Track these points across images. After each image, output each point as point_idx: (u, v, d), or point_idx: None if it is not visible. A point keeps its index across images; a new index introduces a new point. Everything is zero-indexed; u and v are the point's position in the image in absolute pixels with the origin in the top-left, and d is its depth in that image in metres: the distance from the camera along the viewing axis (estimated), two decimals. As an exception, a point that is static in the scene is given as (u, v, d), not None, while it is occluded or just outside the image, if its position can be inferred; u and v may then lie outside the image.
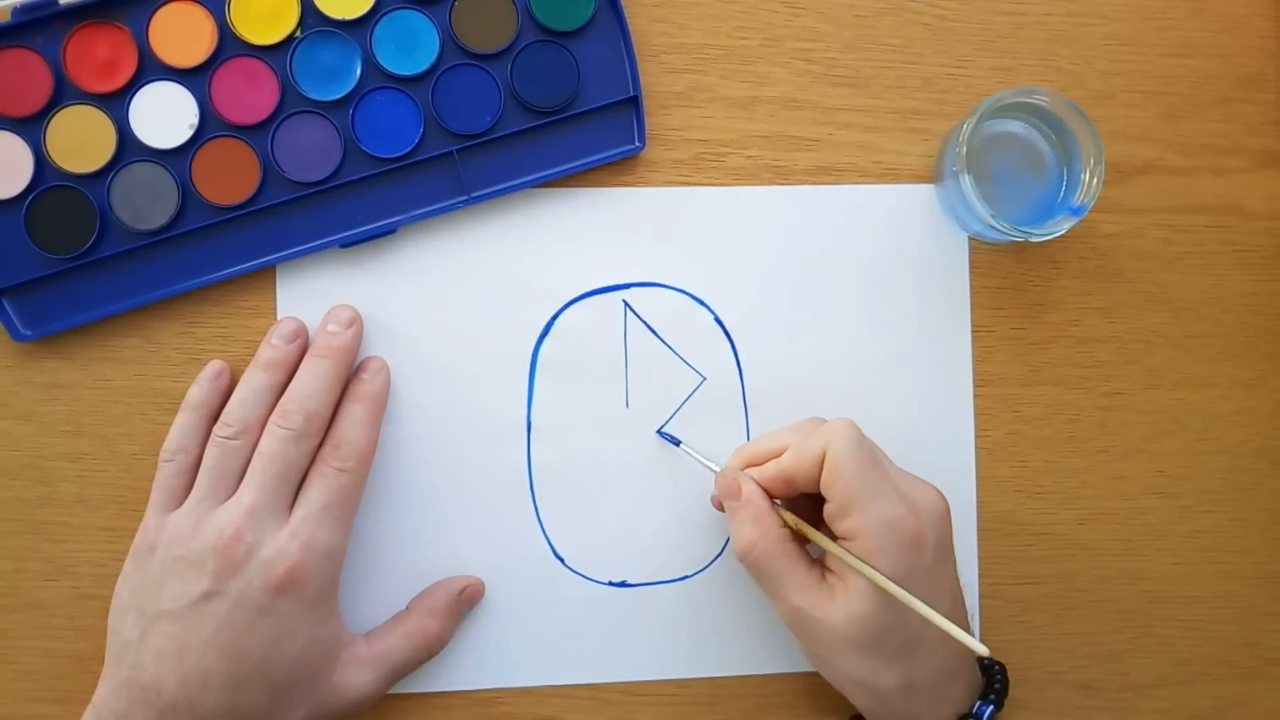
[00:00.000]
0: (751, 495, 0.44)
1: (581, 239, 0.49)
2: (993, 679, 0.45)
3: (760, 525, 0.43)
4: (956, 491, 0.50)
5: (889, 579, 0.40)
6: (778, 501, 0.44)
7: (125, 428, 0.47)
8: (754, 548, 0.43)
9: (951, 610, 0.44)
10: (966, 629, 0.45)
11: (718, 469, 0.46)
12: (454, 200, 0.48)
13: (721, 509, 0.46)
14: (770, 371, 0.49)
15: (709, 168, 0.50)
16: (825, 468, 0.42)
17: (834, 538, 0.43)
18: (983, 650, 0.38)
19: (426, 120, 0.47)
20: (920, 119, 0.50)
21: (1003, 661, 0.46)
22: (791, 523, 0.44)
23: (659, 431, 0.49)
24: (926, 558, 0.41)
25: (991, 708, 0.44)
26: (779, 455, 0.44)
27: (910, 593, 0.40)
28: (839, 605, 0.42)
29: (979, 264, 0.51)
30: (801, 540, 0.44)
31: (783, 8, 0.50)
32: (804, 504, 0.45)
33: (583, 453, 0.49)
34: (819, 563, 0.44)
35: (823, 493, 0.42)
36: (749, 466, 0.45)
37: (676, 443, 0.48)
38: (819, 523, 0.44)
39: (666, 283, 0.49)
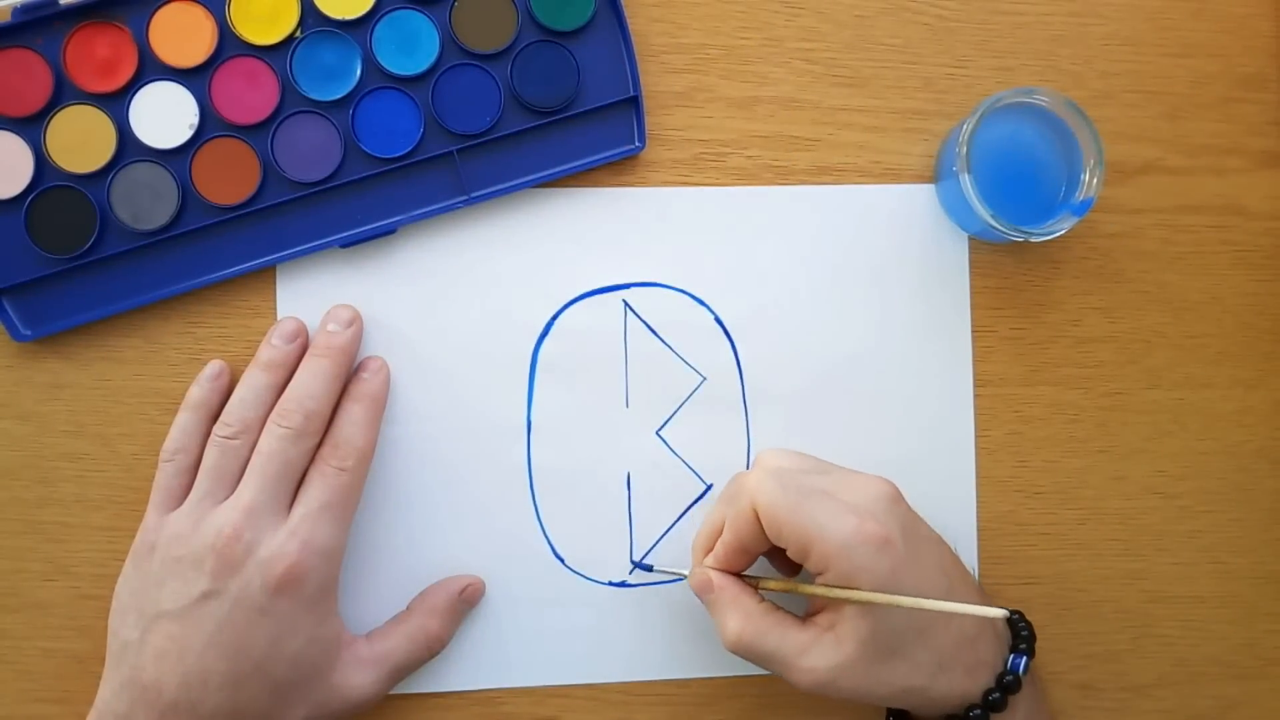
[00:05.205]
0: (721, 582, 0.43)
1: (581, 239, 0.49)
2: (1018, 630, 0.44)
3: (740, 608, 0.42)
4: (957, 491, 0.50)
5: (877, 589, 0.40)
6: (753, 576, 0.44)
7: (125, 428, 0.47)
8: (742, 633, 0.42)
9: (948, 582, 0.43)
10: (972, 588, 0.45)
11: (686, 573, 0.45)
12: (454, 200, 0.48)
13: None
14: (770, 371, 0.49)
15: (709, 168, 0.50)
16: (762, 523, 0.41)
17: (812, 579, 0.42)
18: (994, 613, 0.38)
19: (426, 120, 0.47)
20: (920, 119, 0.50)
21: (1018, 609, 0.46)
22: (771, 587, 0.43)
23: (634, 561, 0.48)
24: (900, 550, 0.41)
25: (1025, 658, 0.43)
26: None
27: (902, 590, 0.40)
28: (845, 641, 0.41)
29: (979, 264, 0.51)
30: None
31: (783, 8, 0.50)
32: (777, 556, 0.44)
33: (583, 453, 0.49)
34: (810, 618, 0.43)
35: (774, 544, 0.42)
36: (709, 553, 0.44)
37: (648, 569, 0.48)
38: (795, 568, 0.43)
39: (666, 283, 0.49)
